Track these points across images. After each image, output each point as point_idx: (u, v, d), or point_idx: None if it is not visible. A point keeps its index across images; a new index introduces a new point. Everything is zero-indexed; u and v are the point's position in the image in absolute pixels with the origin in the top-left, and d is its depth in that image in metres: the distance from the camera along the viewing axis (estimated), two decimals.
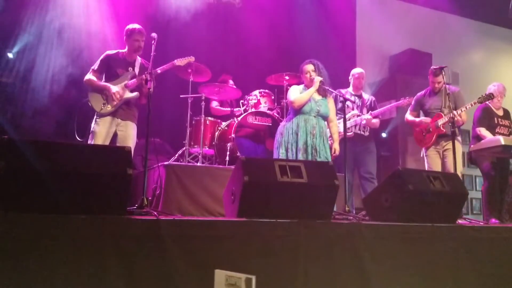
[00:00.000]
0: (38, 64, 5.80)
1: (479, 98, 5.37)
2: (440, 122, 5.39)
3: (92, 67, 4.75)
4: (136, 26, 4.76)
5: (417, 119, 5.75)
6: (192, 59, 5.21)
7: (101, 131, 4.61)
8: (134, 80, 4.68)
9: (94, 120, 4.67)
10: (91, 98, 4.67)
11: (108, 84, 4.66)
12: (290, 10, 7.93)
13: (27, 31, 5.78)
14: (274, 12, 7.64)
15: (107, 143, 4.60)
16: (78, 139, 4.74)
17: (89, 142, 4.61)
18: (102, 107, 4.63)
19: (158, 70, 4.71)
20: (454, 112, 5.12)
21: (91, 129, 4.65)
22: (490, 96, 5.37)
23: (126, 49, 4.82)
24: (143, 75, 4.61)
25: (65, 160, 2.54)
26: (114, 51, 4.82)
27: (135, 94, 4.74)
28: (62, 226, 2.34)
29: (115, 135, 4.70)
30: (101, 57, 4.78)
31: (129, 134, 4.71)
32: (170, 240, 2.54)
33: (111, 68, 4.74)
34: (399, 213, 3.48)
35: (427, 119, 5.60)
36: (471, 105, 5.32)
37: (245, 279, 1.95)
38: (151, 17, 6.37)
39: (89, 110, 4.72)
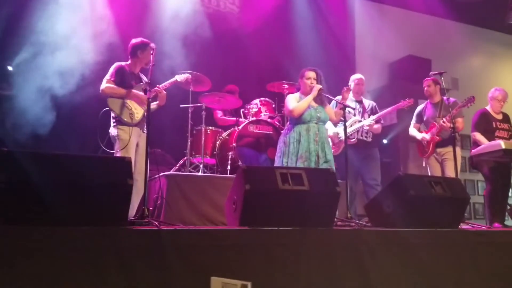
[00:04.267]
0: (38, 76, 5.81)
1: (462, 102, 5.54)
2: (434, 130, 5.70)
3: (106, 77, 4.65)
4: (145, 40, 4.78)
5: (418, 135, 5.96)
6: (189, 76, 5.38)
7: (133, 141, 4.58)
8: (150, 92, 4.63)
9: (117, 128, 4.57)
10: (114, 107, 4.56)
11: (133, 90, 4.64)
12: (289, 18, 7.96)
13: (28, 43, 5.79)
14: (274, 20, 7.68)
15: (133, 153, 4.56)
16: (107, 150, 4.49)
17: (117, 150, 4.52)
18: (131, 117, 4.59)
19: (161, 87, 4.78)
20: (442, 119, 5.46)
21: (118, 137, 4.54)
22: (471, 99, 5.47)
23: (129, 62, 4.81)
24: (157, 87, 4.73)
25: (65, 171, 2.55)
26: (123, 63, 4.79)
27: (156, 106, 4.82)
28: (63, 238, 2.34)
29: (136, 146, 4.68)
30: (114, 67, 4.72)
31: (145, 146, 4.66)
32: (172, 250, 2.53)
33: (125, 79, 4.69)
34: (401, 218, 3.47)
35: (424, 136, 5.84)
36: (456, 110, 5.45)
37: (241, 286, 1.95)
38: (150, 27, 6.40)
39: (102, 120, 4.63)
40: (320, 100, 4.85)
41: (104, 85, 4.61)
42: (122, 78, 4.68)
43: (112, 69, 4.71)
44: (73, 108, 5.79)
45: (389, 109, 5.86)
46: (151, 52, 4.46)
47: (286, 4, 8.00)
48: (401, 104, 5.80)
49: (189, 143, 5.69)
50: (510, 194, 6.13)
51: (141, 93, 4.64)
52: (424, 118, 5.98)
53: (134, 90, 4.66)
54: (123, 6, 6.47)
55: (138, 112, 4.67)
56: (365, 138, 5.73)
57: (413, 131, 6.08)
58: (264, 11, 7.59)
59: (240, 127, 5.66)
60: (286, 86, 6.19)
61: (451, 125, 5.09)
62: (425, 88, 5.93)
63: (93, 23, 6.22)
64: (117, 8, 6.43)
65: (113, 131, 4.60)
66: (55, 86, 5.80)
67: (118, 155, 4.42)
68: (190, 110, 5.76)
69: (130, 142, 4.52)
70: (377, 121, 5.73)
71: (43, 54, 5.81)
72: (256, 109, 5.98)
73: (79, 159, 2.70)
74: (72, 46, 5.97)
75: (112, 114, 4.62)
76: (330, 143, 5.13)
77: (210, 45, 6.99)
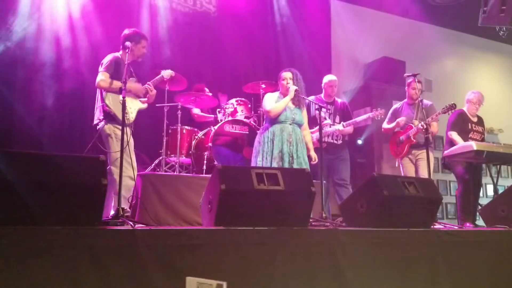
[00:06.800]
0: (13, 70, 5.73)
1: (443, 108, 5.58)
2: (411, 132, 5.74)
3: (103, 70, 4.41)
4: (140, 31, 4.64)
5: (392, 125, 6.01)
6: (172, 73, 5.27)
7: (131, 140, 4.40)
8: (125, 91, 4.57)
9: (112, 126, 4.38)
10: (111, 104, 4.37)
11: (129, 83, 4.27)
12: (266, 19, 7.99)
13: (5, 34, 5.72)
14: (250, 20, 7.69)
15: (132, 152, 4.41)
16: (103, 148, 4.33)
17: (115, 149, 4.29)
18: (127, 117, 4.29)
19: (151, 85, 4.72)
20: (421, 122, 5.41)
21: (115, 135, 4.36)
22: (453, 106, 5.53)
23: (121, 53, 4.57)
24: (147, 84, 4.66)
25: (39, 170, 2.51)
26: (117, 54, 4.57)
27: (145, 105, 4.75)
28: (36, 238, 2.30)
29: None
30: (109, 58, 4.49)
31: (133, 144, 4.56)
32: (146, 250, 2.52)
33: (119, 72, 4.39)
34: (374, 218, 3.51)
35: (402, 119, 5.88)
36: (436, 115, 5.52)
37: (217, 286, 1.95)
38: (125, 25, 6.34)
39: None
40: (298, 101, 4.87)
41: (100, 77, 4.38)
42: (117, 71, 4.44)
43: (107, 61, 4.48)
44: (46, 104, 5.74)
45: (360, 118, 5.86)
46: (145, 46, 4.46)
47: (263, 5, 8.02)
48: (373, 114, 5.81)
49: (164, 142, 5.65)
50: (481, 195, 6.25)
51: (137, 84, 4.53)
52: (399, 118, 6.03)
53: (130, 83, 4.33)
54: (98, 4, 6.42)
55: (132, 111, 4.55)
56: (335, 141, 5.78)
57: (386, 125, 6.15)
58: (241, 12, 7.60)
59: (216, 127, 5.66)
60: (263, 86, 6.20)
61: (425, 127, 5.16)
62: (413, 91, 5.90)
63: (69, 19, 6.19)
64: (93, 6, 6.38)
65: (108, 129, 4.40)
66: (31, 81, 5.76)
67: (117, 155, 4.21)
68: (165, 110, 5.72)
69: (130, 143, 4.37)
70: (347, 125, 5.75)
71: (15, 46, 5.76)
72: (232, 109, 5.97)
73: (53, 158, 2.66)
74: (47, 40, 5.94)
75: (107, 110, 4.38)
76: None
77: (186, 44, 6.99)
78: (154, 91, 4.73)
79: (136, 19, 6.68)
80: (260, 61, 7.64)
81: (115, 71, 4.44)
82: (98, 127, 4.48)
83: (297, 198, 3.26)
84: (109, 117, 4.41)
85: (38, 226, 2.38)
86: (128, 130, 4.34)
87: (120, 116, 4.26)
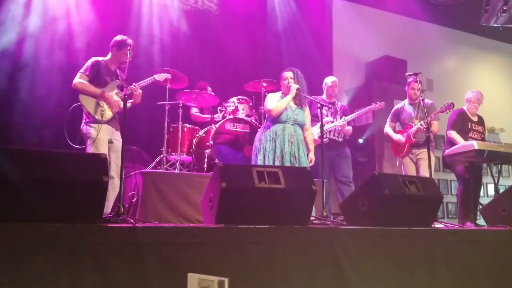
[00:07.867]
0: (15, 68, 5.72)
1: (441, 107, 5.61)
2: (411, 131, 5.77)
3: (81, 71, 4.55)
4: (128, 39, 4.66)
5: (394, 136, 6.04)
6: (168, 76, 5.34)
7: (103, 138, 4.47)
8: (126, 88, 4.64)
9: (87, 125, 4.48)
10: (85, 103, 4.48)
11: (106, 92, 4.54)
12: (268, 17, 7.99)
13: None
14: (252, 19, 7.69)
15: (106, 150, 4.45)
16: (75, 146, 4.39)
17: (89, 148, 4.41)
18: (102, 114, 4.49)
19: (138, 86, 4.72)
20: (420, 122, 5.49)
21: (88, 134, 4.45)
22: (451, 105, 5.56)
23: (108, 57, 4.72)
24: (133, 85, 4.66)
25: (40, 168, 2.51)
26: (100, 58, 4.68)
27: (130, 104, 4.72)
28: (37, 235, 2.30)
29: (109, 143, 4.59)
30: (90, 62, 4.62)
31: (120, 144, 4.51)
32: (147, 248, 2.52)
33: (100, 75, 4.60)
34: (375, 217, 3.51)
35: (401, 139, 5.91)
36: (435, 114, 5.54)
37: (218, 282, 1.95)
38: (127, 23, 6.36)
39: (75, 115, 4.56)
40: (300, 101, 4.87)
41: (77, 79, 4.51)
42: (97, 74, 4.58)
43: (87, 64, 4.62)
44: (44, 102, 5.73)
45: (360, 111, 5.94)
46: (128, 48, 4.42)
47: (265, 4, 8.02)
48: (372, 107, 5.92)
49: (165, 140, 5.65)
50: (482, 194, 6.24)
51: (114, 97, 4.58)
52: (401, 118, 6.05)
53: (106, 93, 4.56)
54: (99, 2, 6.42)
55: (110, 110, 4.60)
56: (336, 138, 5.87)
57: (388, 130, 6.16)
58: (242, 10, 7.59)
59: (217, 125, 5.65)
60: (265, 84, 6.21)
61: (426, 126, 5.16)
62: (412, 91, 5.94)
63: (68, 15, 6.19)
64: (95, 4, 6.38)
65: (84, 128, 4.51)
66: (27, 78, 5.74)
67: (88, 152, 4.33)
68: (167, 107, 5.72)
69: (99, 139, 4.44)
70: (348, 123, 5.83)
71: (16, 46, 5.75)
72: (234, 107, 5.97)
73: (54, 155, 2.66)
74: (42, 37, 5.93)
75: (84, 111, 4.52)
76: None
77: (187, 43, 6.99)
78: (139, 92, 4.73)
79: (137, 17, 6.68)
80: (261, 59, 7.63)
81: (94, 75, 4.56)
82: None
83: (298, 196, 3.26)
84: (86, 117, 4.53)
85: (38, 223, 2.37)
86: (103, 128, 4.50)
87: (94, 113, 4.49)
